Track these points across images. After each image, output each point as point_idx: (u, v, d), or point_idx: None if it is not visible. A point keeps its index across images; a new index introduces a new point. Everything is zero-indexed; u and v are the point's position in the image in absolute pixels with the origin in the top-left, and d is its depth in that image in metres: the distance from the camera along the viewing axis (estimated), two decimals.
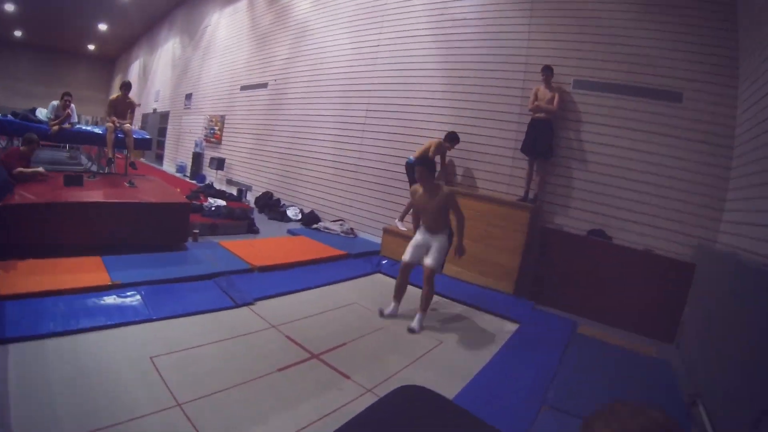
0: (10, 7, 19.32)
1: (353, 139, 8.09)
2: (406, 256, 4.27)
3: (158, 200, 5.43)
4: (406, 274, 4.31)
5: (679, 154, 5.22)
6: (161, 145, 16.59)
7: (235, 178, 11.13)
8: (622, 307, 4.96)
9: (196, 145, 12.78)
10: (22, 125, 7.07)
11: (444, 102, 6.99)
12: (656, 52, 5.38)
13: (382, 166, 7.62)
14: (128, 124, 7.80)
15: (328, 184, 8.45)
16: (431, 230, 4.26)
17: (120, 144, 7.70)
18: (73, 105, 7.72)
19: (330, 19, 9.05)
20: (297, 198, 9.11)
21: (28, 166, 5.64)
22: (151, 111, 17.88)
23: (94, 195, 5.21)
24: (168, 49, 17.50)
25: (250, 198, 10.03)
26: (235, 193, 10.15)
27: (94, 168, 7.43)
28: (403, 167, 7.00)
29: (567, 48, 5.97)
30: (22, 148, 5.72)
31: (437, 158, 6.40)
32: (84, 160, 11.68)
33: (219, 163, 11.60)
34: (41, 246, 4.28)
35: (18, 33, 24.45)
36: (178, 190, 8.90)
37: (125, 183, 6.36)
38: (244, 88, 11.29)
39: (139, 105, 19.38)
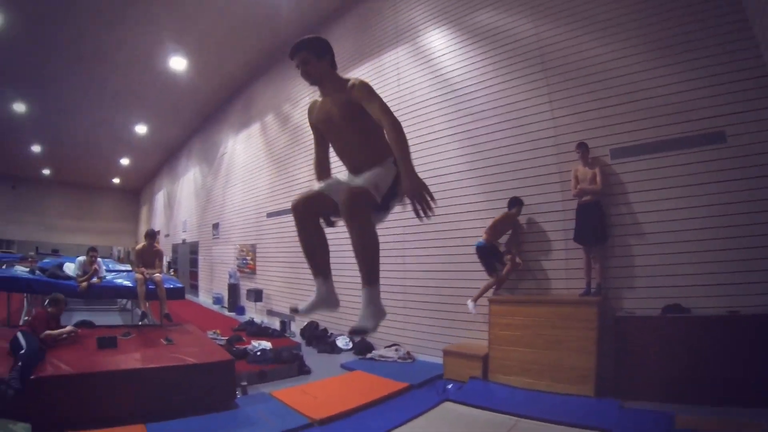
0: (37, 149, 21.10)
1: (394, 258, 7.76)
2: (318, 187, 2.45)
3: (200, 360, 5.10)
4: (307, 219, 2.34)
5: (740, 196, 4.70)
6: (194, 275, 16.63)
7: (276, 309, 10.84)
8: (718, 380, 4.41)
9: (231, 276, 12.67)
10: (50, 283, 7.03)
11: (479, 198, 6.73)
12: (685, 96, 5.04)
13: (432, 281, 7.23)
14: (158, 274, 7.69)
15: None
16: (355, 168, 2.45)
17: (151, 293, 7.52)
18: (99, 259, 7.74)
19: None
20: (345, 325, 8.71)
21: (57, 327, 5.47)
22: (180, 242, 18.12)
23: (130, 360, 4.97)
24: (189, 179, 18.03)
25: (295, 329, 9.66)
26: (277, 325, 9.83)
27: (148, 321, 7.29)
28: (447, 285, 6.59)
29: (594, 117, 5.69)
30: (50, 309, 5.61)
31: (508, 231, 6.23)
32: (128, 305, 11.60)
33: (257, 295, 11.38)
34: (79, 418, 4.03)
35: (46, 171, 25.83)
36: (218, 331, 8.67)
37: (162, 340, 6.06)
38: (270, 215, 11.26)
39: (168, 235, 19.95)
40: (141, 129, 17.42)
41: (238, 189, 13.14)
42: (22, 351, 4.25)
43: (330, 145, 2.57)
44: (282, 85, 11.58)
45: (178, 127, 18.01)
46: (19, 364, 4.01)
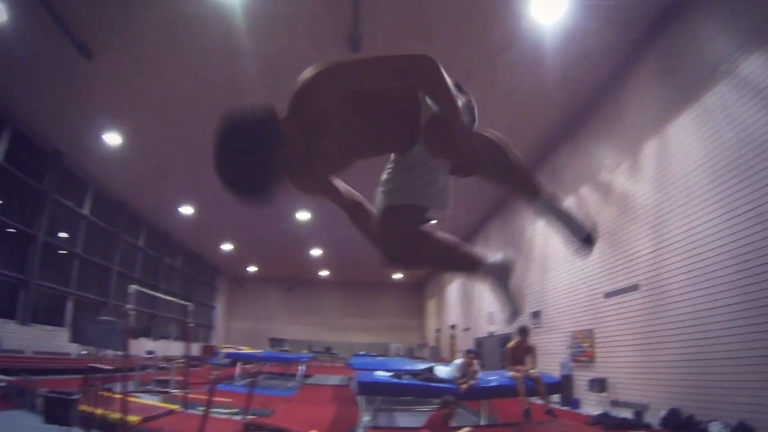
0: (316, 252, 24.46)
1: None
2: None
3: None
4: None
5: None
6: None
7: (623, 398, 9.78)
8: None
9: (563, 367, 12.06)
10: (430, 387, 7.54)
11: None
12: None
13: None
14: (534, 371, 7.83)
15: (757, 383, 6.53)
16: None
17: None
18: (476, 360, 8.12)
19: (685, 195, 8.21)
20: (716, 409, 7.25)
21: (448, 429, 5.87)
22: (486, 335, 18.33)
23: None
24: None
25: (649, 418, 8.58)
26: (626, 415, 9.05)
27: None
28: None
29: None
30: (443, 411, 5.91)
31: None
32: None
33: (601, 385, 10.54)
34: None
35: (323, 273, 29.55)
36: None
37: None
38: (609, 295, 10.56)
39: (468, 329, 20.49)
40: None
41: (561, 271, 12.83)
42: None
43: None
44: (592, 151, 11.27)
45: (471, 214, 18.77)
46: None
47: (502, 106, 11.03)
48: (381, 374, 8.57)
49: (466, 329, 21.25)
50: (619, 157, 10.42)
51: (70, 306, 16.86)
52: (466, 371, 7.73)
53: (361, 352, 26.28)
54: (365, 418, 8.33)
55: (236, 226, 21.24)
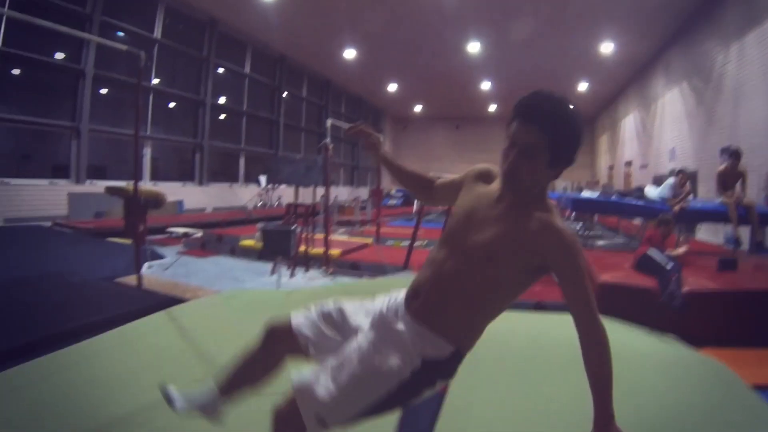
0: (486, 85, 23.86)
1: None
2: (297, 317, 1.72)
3: None
4: (270, 345, 1.73)
5: None
6: None
7: None
8: None
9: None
10: (638, 206, 7.78)
11: None
12: None
13: None
14: (748, 198, 7.48)
15: None
16: (413, 300, 1.58)
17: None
18: (687, 182, 8.00)
19: None
20: None
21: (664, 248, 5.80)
22: (667, 173, 16.85)
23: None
24: (673, 100, 16.40)
25: None
26: None
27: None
28: None
29: None
30: (660, 229, 5.87)
31: None
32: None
33: None
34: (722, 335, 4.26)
35: (491, 108, 28.90)
36: None
37: None
38: None
39: (645, 166, 19.00)
40: (606, 47, 17.21)
41: (758, 104, 10.86)
42: (670, 267, 4.65)
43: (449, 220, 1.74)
44: None
45: (649, 40, 16.72)
46: (675, 277, 4.45)
47: None
48: (589, 193, 9.11)
49: (644, 166, 19.70)
50: None
51: (242, 162, 19.23)
52: (678, 192, 7.55)
53: None
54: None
55: (402, 64, 21.24)
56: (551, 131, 1.43)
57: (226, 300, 4.38)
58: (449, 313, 1.51)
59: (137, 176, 5.50)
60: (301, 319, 1.70)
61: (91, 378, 2.55)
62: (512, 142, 1.49)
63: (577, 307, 1.42)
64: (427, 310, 1.53)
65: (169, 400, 1.76)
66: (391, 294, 1.71)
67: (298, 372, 1.51)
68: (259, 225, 9.14)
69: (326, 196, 8.35)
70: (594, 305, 1.42)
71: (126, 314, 3.80)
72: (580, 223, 13.40)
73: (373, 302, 1.73)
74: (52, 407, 2.20)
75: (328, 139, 8.33)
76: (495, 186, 1.61)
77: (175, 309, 3.78)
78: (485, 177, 1.70)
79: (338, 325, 1.68)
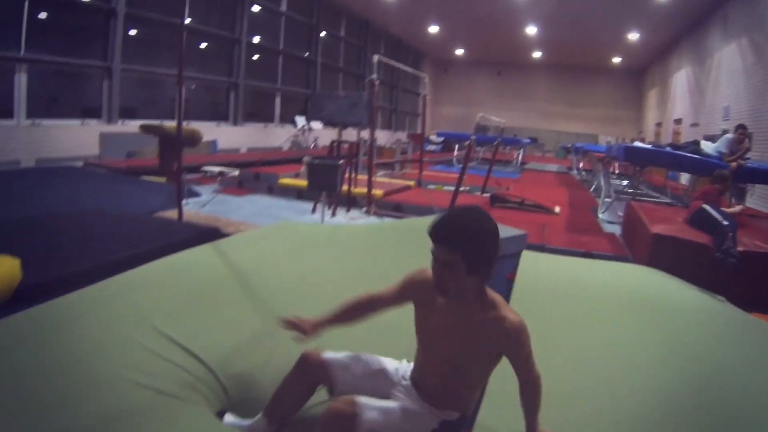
0: (532, 30, 22.57)
1: None
2: (329, 352, 2.05)
3: None
4: (303, 374, 2.01)
5: None
6: None
7: None
8: None
9: None
10: (699, 161, 7.48)
11: None
12: None
13: None
14: None
15: None
16: (418, 388, 1.97)
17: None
18: (746, 139, 7.64)
19: None
20: None
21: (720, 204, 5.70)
22: (720, 132, 16.15)
23: None
24: (730, 55, 15.51)
25: None
26: None
27: None
28: None
29: None
30: (717, 185, 5.77)
31: None
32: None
33: None
34: None
35: (536, 55, 27.83)
36: None
37: None
38: None
39: (695, 125, 18.24)
40: None
41: None
42: (726, 223, 4.60)
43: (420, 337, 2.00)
44: None
45: None
46: (731, 234, 4.41)
47: None
48: (642, 144, 9.13)
49: (694, 125, 18.89)
50: None
51: (278, 102, 19.11)
52: (736, 148, 7.36)
53: (566, 144, 25.70)
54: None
55: (444, 5, 20.59)
56: (460, 247, 1.68)
57: (275, 231, 4.30)
58: (449, 395, 1.90)
59: (179, 114, 5.50)
60: (331, 354, 2.02)
61: (146, 306, 2.53)
62: (434, 259, 1.75)
63: (522, 369, 1.82)
64: (432, 397, 1.91)
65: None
66: (400, 364, 2.08)
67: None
68: (306, 158, 9.18)
69: (371, 133, 8.31)
70: (533, 360, 1.82)
71: (170, 245, 3.85)
72: (626, 181, 12.98)
73: (388, 363, 2.08)
74: (110, 334, 2.27)
75: (374, 75, 8.17)
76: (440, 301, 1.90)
77: (222, 242, 3.75)
78: (428, 286, 1.88)
79: (366, 372, 2.01)
